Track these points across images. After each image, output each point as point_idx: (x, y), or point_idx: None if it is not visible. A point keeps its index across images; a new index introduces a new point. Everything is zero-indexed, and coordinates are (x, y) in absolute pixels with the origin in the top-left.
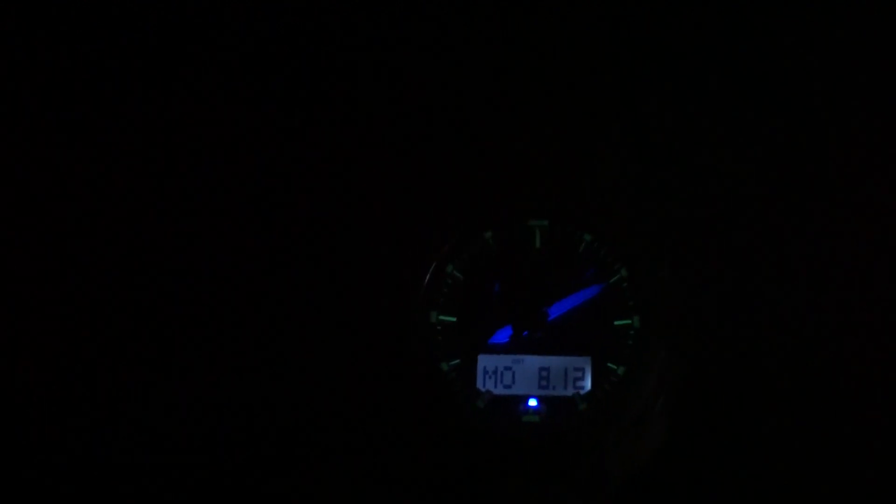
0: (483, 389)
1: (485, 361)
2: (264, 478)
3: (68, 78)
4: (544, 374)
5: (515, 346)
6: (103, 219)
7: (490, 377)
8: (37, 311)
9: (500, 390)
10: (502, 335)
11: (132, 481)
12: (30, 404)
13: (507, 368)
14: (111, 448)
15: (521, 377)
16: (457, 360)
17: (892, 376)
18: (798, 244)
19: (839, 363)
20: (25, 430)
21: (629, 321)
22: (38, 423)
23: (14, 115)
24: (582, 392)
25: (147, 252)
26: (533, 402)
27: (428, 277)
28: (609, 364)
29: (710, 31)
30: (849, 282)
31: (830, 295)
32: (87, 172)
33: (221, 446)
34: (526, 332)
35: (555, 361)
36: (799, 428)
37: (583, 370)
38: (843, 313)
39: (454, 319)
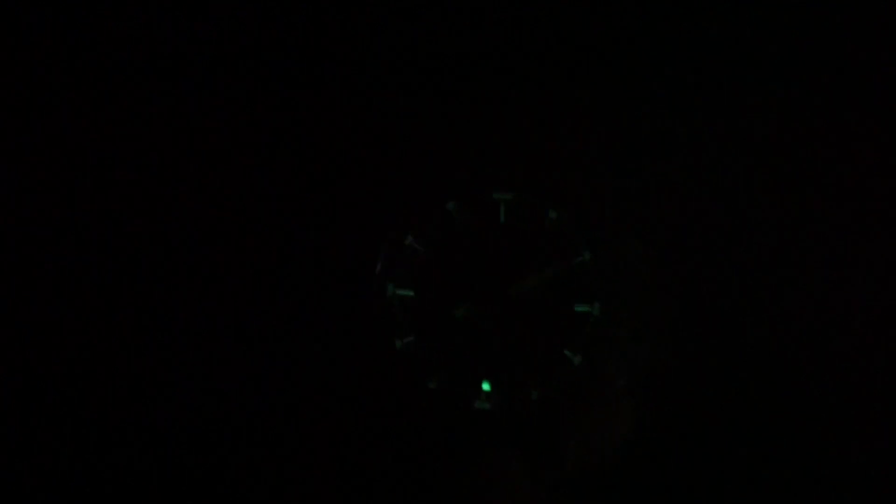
0: (436, 369)
1: (440, 340)
2: (216, 452)
3: (66, 78)
4: (499, 357)
5: (473, 325)
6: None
7: (444, 357)
8: (29, 311)
9: (451, 371)
10: (460, 313)
11: (103, 472)
12: (25, 404)
13: (463, 349)
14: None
15: (475, 359)
16: (411, 337)
17: (864, 355)
18: (767, 230)
19: (809, 351)
20: (23, 429)
21: (589, 308)
22: (34, 422)
23: (12, 114)
24: (532, 381)
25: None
26: (486, 387)
27: (385, 248)
28: (566, 351)
29: (682, 8)
30: (818, 266)
31: (800, 282)
32: (60, 171)
33: (177, 422)
34: (484, 311)
35: (511, 344)
36: (767, 416)
37: (539, 356)
38: (813, 300)
39: (412, 294)
